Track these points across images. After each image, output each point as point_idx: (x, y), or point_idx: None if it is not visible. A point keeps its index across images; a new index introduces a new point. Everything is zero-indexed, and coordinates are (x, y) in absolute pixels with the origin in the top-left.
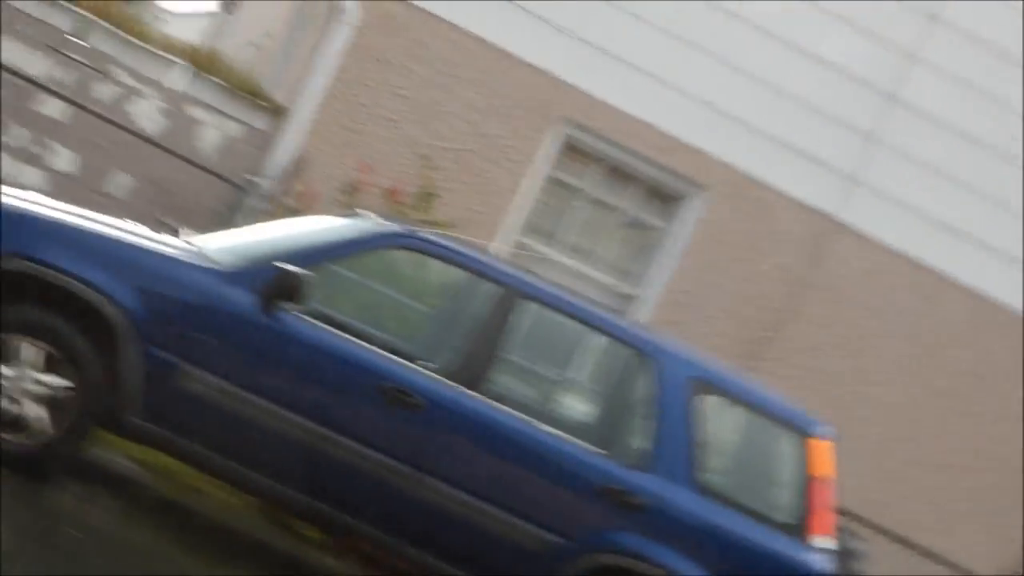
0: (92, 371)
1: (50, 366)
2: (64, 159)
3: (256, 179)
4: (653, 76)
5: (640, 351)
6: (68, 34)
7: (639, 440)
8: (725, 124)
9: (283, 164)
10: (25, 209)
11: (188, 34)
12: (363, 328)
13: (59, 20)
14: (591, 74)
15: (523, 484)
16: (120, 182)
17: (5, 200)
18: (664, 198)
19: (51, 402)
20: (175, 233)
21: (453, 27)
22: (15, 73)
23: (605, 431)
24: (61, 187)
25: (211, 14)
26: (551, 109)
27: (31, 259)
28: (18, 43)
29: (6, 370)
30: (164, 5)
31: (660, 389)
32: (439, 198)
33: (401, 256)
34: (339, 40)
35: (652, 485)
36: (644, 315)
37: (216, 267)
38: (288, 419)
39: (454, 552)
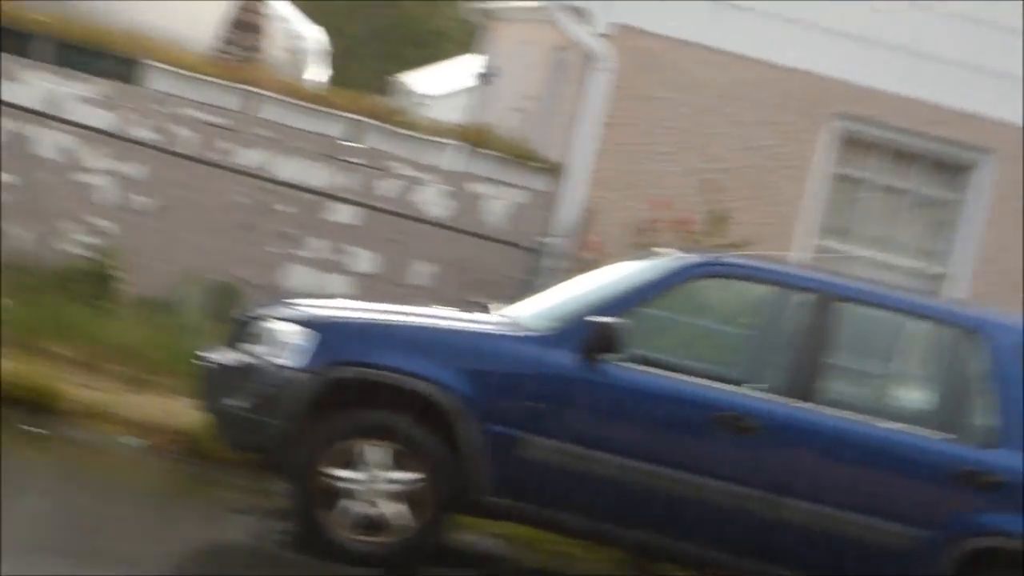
0: (438, 459)
1: (397, 462)
2: (364, 260)
3: (548, 239)
4: (914, 52)
5: (965, 328)
6: (342, 139)
7: (983, 417)
8: (996, 84)
9: (571, 219)
10: (340, 317)
11: (452, 113)
12: (684, 363)
13: (331, 128)
14: (853, 64)
15: (877, 484)
16: (421, 271)
17: (319, 312)
18: (952, 170)
19: (406, 497)
20: (485, 309)
21: (707, 49)
22: (301, 188)
23: (946, 415)
24: (367, 288)
25: (469, 89)
26: (820, 107)
27: (356, 364)
28: (299, 158)
29: (357, 475)
30: (423, 90)
31: (994, 362)
32: (730, 220)
33: (707, 284)
34: (599, 87)
35: (1006, 460)
36: (958, 291)
37: (532, 333)
38: (631, 466)
39: (823, 566)
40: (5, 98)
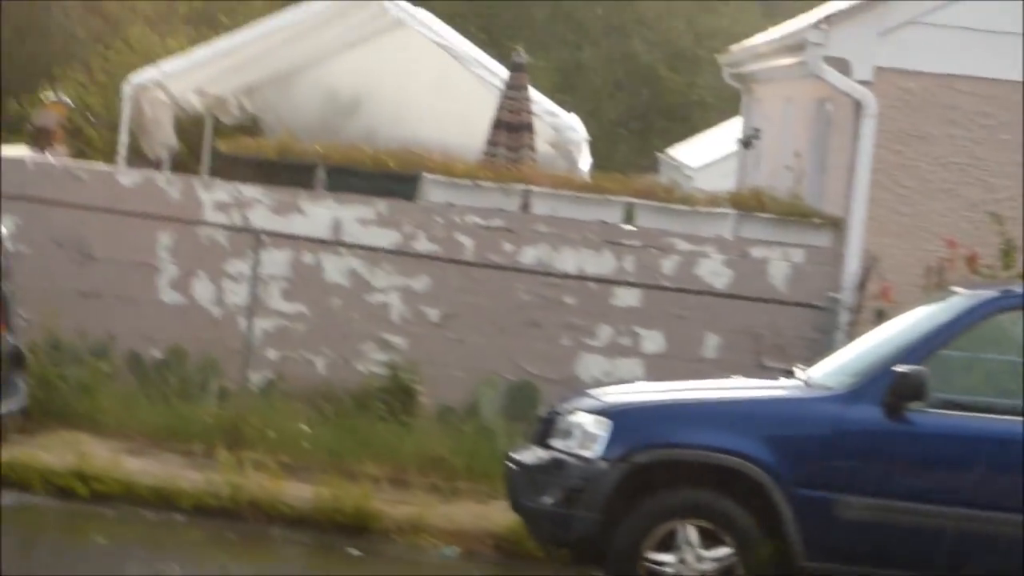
0: (750, 531)
1: (707, 539)
2: (652, 341)
3: (836, 295)
4: None
5: None
6: (618, 224)
7: None
8: None
9: (855, 271)
10: (637, 402)
11: (719, 181)
12: (991, 402)
13: (606, 214)
14: None
15: None
16: (710, 344)
17: (616, 400)
18: None
19: (721, 573)
20: (789, 373)
21: (971, 79)
22: (583, 277)
23: None
24: (660, 368)
25: (733, 154)
26: None
27: (658, 446)
28: (578, 248)
29: (670, 558)
30: (688, 162)
31: None
32: (1019, 249)
33: (1007, 318)
34: (866, 134)
35: None
36: None
37: (832, 392)
38: (950, 514)
39: None
40: (293, 230)
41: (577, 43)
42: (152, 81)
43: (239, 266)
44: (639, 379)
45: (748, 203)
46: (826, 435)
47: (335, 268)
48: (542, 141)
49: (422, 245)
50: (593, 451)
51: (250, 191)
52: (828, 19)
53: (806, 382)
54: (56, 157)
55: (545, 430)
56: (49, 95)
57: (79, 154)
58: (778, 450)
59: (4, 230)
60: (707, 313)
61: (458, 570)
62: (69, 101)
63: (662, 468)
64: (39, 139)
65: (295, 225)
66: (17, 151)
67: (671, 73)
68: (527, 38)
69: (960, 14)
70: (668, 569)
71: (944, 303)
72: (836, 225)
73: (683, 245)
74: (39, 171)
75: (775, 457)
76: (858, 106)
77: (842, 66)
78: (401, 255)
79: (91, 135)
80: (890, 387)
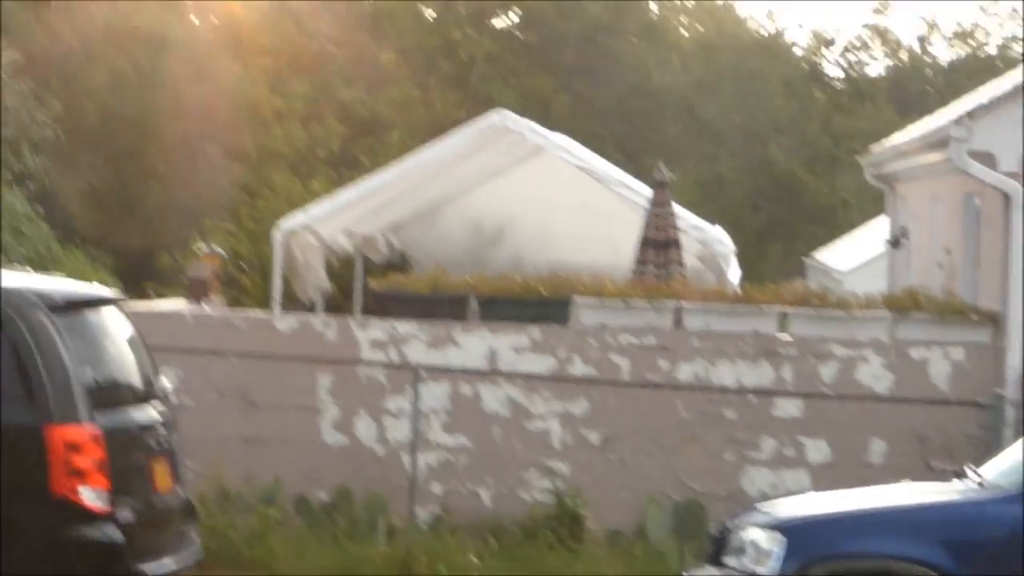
0: None
1: None
2: (817, 450)
3: (1001, 391)
4: None
5: None
6: (773, 334)
7: None
8: None
9: (1018, 365)
10: (806, 515)
11: (869, 283)
12: None
13: (760, 324)
14: None
15: None
16: (876, 449)
17: (786, 513)
18: None
19: None
20: (959, 475)
21: None
22: (742, 390)
23: None
24: (825, 477)
25: (881, 255)
26: None
27: (832, 558)
28: (737, 361)
29: None
30: (836, 265)
31: None
32: None
33: None
34: (1017, 225)
35: None
36: None
37: (1005, 492)
38: None
39: None
40: (450, 363)
41: (714, 154)
42: (301, 225)
43: (399, 402)
44: (807, 490)
45: (903, 304)
46: (1003, 537)
47: (493, 397)
48: (690, 255)
49: (578, 369)
50: (768, 567)
51: (405, 327)
52: (970, 114)
53: (979, 483)
54: (213, 307)
55: (718, 548)
56: (202, 247)
57: (234, 302)
58: (956, 554)
59: (168, 383)
60: (870, 418)
61: None
62: (222, 251)
63: None
64: (195, 291)
65: (451, 357)
66: (174, 304)
67: (810, 176)
68: (663, 153)
69: None
70: None
71: None
72: (994, 320)
73: (840, 351)
74: (198, 323)
75: (953, 561)
76: (1007, 198)
77: (987, 159)
78: (558, 380)
79: (245, 283)
80: None
